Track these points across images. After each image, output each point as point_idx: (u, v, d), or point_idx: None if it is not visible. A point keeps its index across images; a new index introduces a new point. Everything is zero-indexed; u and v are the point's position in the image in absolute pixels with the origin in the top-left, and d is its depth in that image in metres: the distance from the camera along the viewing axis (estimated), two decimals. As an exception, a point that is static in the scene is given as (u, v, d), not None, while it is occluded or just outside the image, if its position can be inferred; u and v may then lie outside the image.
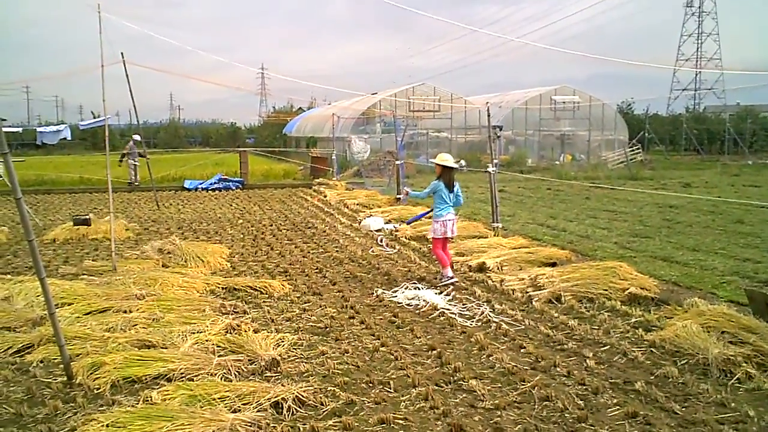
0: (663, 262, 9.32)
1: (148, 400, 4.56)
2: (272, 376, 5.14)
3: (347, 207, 16.04)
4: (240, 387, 4.71)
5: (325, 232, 12.53)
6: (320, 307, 7.21)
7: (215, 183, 22.10)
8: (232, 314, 6.78)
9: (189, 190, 21.58)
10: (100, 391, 4.86)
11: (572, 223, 13.27)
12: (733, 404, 4.53)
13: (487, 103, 15.22)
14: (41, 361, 5.54)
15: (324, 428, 4.25)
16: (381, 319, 6.77)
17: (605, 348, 5.77)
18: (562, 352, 5.69)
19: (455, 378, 5.09)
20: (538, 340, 6.01)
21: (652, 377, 5.08)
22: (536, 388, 4.83)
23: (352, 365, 5.40)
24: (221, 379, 4.99)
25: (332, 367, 5.32)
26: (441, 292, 7.67)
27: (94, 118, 37.55)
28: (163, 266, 9.00)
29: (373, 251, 10.43)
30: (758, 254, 9.71)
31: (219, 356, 5.36)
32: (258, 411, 4.39)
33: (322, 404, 4.58)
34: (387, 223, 12.96)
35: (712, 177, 25.05)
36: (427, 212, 9.15)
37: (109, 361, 5.20)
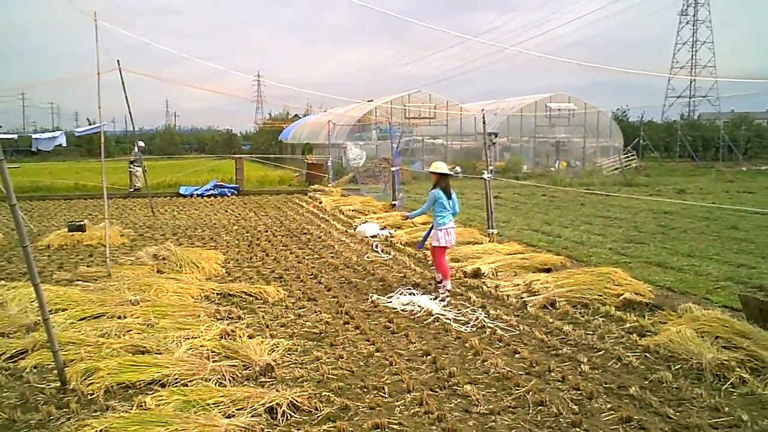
0: (657, 267, 9.34)
1: (142, 406, 4.55)
2: (267, 382, 5.14)
3: (343, 213, 16.05)
4: (234, 392, 4.70)
5: (320, 238, 12.53)
6: (315, 312, 7.21)
7: (211, 189, 22.07)
8: (226, 320, 6.79)
9: (184, 196, 21.55)
10: (93, 396, 4.85)
11: (567, 229, 13.29)
12: (726, 409, 4.54)
13: (483, 110, 15.23)
14: (35, 367, 5.52)
15: (318, 433, 4.24)
16: (376, 324, 6.77)
17: (600, 353, 5.78)
18: (556, 357, 5.70)
19: (450, 383, 5.09)
20: (532, 346, 6.02)
21: (647, 382, 5.09)
22: (531, 393, 4.84)
23: (347, 370, 5.40)
24: (216, 384, 4.98)
25: (327, 372, 5.32)
26: (436, 298, 7.68)
27: (90, 125, 37.53)
28: (157, 272, 8.98)
29: (368, 257, 10.43)
30: (752, 260, 9.75)
31: (213, 362, 5.36)
32: (252, 416, 4.39)
33: (316, 409, 4.58)
34: (382, 229, 12.97)
35: (707, 183, 25.15)
36: (431, 230, 9.05)
37: (103, 366, 5.19)
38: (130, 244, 11.91)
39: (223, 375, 5.13)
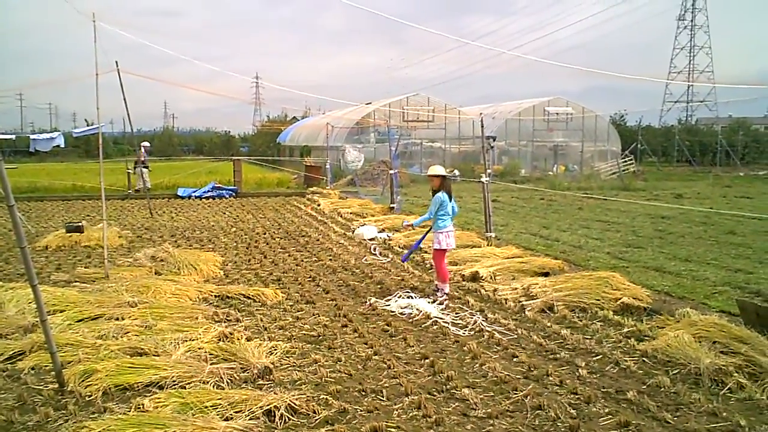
0: (655, 272, 9.36)
1: (139, 408, 4.54)
2: (265, 384, 5.13)
3: (341, 216, 16.05)
4: (232, 395, 4.70)
5: (318, 240, 12.52)
6: (313, 315, 7.21)
7: (209, 191, 22.06)
8: (224, 322, 6.78)
9: (182, 198, 21.53)
10: (91, 398, 4.84)
11: (565, 233, 13.31)
12: (724, 414, 4.55)
13: (481, 113, 15.28)
14: (32, 368, 5.51)
15: (316, 436, 4.24)
16: (374, 327, 6.77)
17: (597, 357, 5.79)
18: (554, 361, 5.71)
19: (448, 387, 5.09)
20: (530, 350, 6.02)
21: (644, 387, 5.10)
22: (528, 397, 4.84)
23: (345, 373, 5.40)
24: (213, 386, 4.97)
25: (325, 375, 5.32)
26: (434, 301, 7.68)
27: (88, 125, 37.46)
28: (155, 274, 8.98)
29: (366, 260, 10.43)
30: (750, 265, 9.77)
31: (211, 364, 5.35)
32: (250, 419, 4.39)
33: (314, 412, 4.57)
34: (380, 231, 12.97)
35: (704, 188, 25.20)
36: (424, 236, 9.08)
37: (100, 368, 5.18)
38: (128, 246, 11.89)
39: (221, 377, 5.13)
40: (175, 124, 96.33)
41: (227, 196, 21.98)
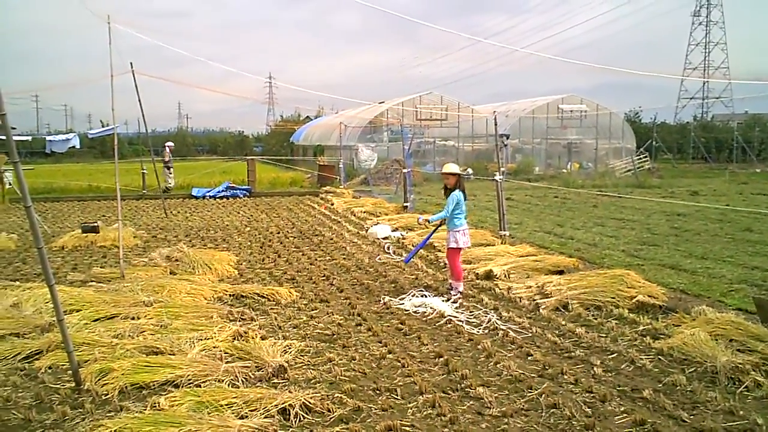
0: (671, 270, 9.29)
1: (155, 406, 4.57)
2: (279, 383, 5.15)
3: (354, 215, 16.07)
4: (247, 393, 4.72)
5: (332, 239, 12.55)
6: (327, 314, 7.22)
7: (223, 191, 22.16)
8: (239, 321, 6.81)
9: (197, 197, 21.63)
10: (108, 397, 4.88)
11: (579, 231, 13.24)
12: (741, 412, 4.51)
13: (494, 111, 15.25)
14: (50, 367, 5.56)
15: (331, 435, 4.25)
16: (388, 326, 6.78)
17: (613, 356, 5.75)
18: (569, 359, 5.68)
19: (462, 385, 5.08)
20: (545, 348, 6.00)
21: (660, 385, 5.06)
22: (543, 395, 4.82)
23: (359, 372, 5.40)
24: (229, 385, 5.00)
25: (339, 373, 5.33)
26: (448, 300, 7.67)
27: (103, 126, 37.76)
28: (170, 273, 9.03)
29: (379, 259, 10.44)
30: (767, 262, 9.67)
31: (226, 363, 5.38)
32: (265, 417, 4.41)
33: (329, 411, 4.58)
34: (394, 230, 12.97)
35: (720, 185, 24.97)
36: (428, 238, 9.06)
37: (117, 367, 5.22)
38: (143, 246, 11.98)
39: (236, 376, 5.15)
40: (190, 125, 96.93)
41: (241, 195, 22.07)
